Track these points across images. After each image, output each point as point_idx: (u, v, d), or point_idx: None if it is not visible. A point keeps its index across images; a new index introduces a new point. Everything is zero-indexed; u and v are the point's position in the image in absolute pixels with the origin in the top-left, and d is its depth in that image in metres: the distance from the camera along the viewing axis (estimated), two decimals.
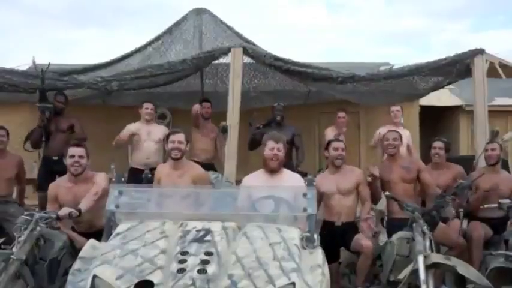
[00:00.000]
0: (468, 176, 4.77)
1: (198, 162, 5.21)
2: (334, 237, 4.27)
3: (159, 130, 5.99)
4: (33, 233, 3.51)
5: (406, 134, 6.31)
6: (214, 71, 7.47)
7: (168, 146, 4.40)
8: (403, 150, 5.18)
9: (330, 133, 6.39)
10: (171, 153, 4.33)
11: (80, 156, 4.20)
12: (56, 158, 5.66)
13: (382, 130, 6.26)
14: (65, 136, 5.95)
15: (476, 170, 4.96)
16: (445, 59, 5.85)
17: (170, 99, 8.06)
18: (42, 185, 5.82)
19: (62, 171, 4.73)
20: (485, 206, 4.35)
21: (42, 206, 5.36)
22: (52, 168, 5.69)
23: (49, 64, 5.78)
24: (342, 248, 4.40)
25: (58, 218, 3.74)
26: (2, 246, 4.24)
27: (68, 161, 4.21)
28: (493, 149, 4.77)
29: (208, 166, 5.58)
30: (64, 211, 3.81)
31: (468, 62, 5.81)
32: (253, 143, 5.91)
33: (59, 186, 4.29)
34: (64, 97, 6.06)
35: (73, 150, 4.22)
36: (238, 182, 4.86)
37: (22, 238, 3.42)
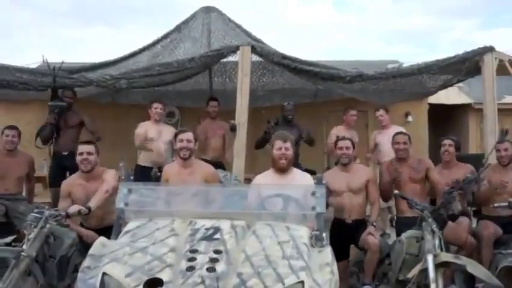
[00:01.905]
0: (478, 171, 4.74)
1: (206, 161, 5.21)
2: (344, 235, 4.29)
3: (168, 130, 5.95)
4: (43, 231, 3.53)
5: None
6: (222, 69, 7.49)
7: (176, 145, 4.40)
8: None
9: (335, 132, 6.31)
10: (180, 153, 4.33)
11: (89, 153, 4.28)
12: (65, 153, 5.69)
13: (378, 136, 6.28)
14: (74, 132, 5.99)
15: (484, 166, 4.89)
16: (454, 57, 5.85)
17: (178, 97, 8.11)
18: (53, 181, 5.87)
19: (72, 166, 4.78)
20: (495, 204, 4.30)
21: (55, 202, 5.40)
22: (62, 164, 5.72)
23: (62, 62, 5.85)
24: (351, 246, 4.41)
25: (67, 216, 3.78)
26: (13, 244, 4.29)
27: (77, 158, 4.30)
28: (505, 149, 4.69)
29: (217, 164, 5.56)
30: (74, 208, 3.86)
31: (477, 60, 5.80)
32: (261, 142, 5.88)
33: (71, 183, 4.37)
34: (72, 92, 6.08)
35: (82, 148, 4.32)
36: (246, 180, 4.87)
37: (32, 235, 3.43)
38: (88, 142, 4.50)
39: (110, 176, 4.30)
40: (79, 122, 6.03)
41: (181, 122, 8.30)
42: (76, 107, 6.14)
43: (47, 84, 5.77)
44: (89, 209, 3.93)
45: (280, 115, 6.16)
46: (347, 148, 4.51)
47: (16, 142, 5.22)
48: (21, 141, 5.32)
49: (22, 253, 3.31)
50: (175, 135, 4.48)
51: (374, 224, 4.33)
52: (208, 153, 6.26)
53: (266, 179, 4.06)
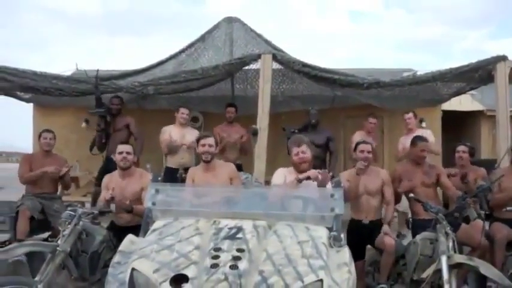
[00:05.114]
0: (489, 176, 4.78)
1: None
2: (361, 235, 4.35)
3: (192, 133, 6.17)
4: (77, 227, 3.73)
5: (427, 133, 6.23)
6: (244, 76, 7.63)
7: (199, 149, 4.61)
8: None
9: (357, 137, 6.46)
10: (202, 156, 4.55)
11: (128, 153, 4.61)
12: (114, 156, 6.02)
13: (403, 140, 6.33)
14: (121, 135, 6.31)
15: (497, 171, 4.89)
16: (468, 65, 5.92)
17: (202, 103, 8.27)
18: (99, 181, 6.14)
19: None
20: (508, 208, 4.34)
21: (94, 200, 5.79)
22: (111, 167, 5.97)
23: (98, 70, 6.16)
24: (367, 247, 4.49)
25: (100, 214, 4.00)
26: (49, 239, 4.54)
27: (117, 157, 4.62)
28: None
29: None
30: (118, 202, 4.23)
31: (490, 69, 5.87)
32: None
33: (112, 176, 4.71)
34: (119, 99, 6.45)
35: (121, 147, 4.66)
36: (267, 182, 5.02)
37: (66, 232, 3.64)
38: (126, 142, 4.88)
39: (146, 180, 4.43)
40: (125, 125, 6.41)
41: (205, 127, 8.51)
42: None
43: (81, 91, 6.06)
44: (131, 209, 4.29)
45: (308, 120, 6.31)
46: (368, 152, 4.55)
47: (52, 144, 5.52)
48: (56, 144, 5.63)
49: (57, 248, 3.52)
50: (198, 140, 4.69)
51: (389, 224, 4.39)
52: (221, 156, 6.29)
53: (289, 174, 4.13)
